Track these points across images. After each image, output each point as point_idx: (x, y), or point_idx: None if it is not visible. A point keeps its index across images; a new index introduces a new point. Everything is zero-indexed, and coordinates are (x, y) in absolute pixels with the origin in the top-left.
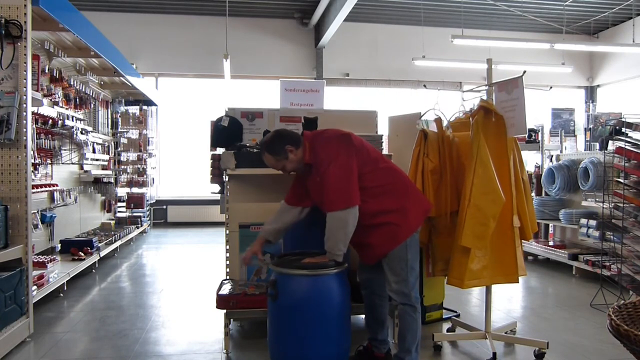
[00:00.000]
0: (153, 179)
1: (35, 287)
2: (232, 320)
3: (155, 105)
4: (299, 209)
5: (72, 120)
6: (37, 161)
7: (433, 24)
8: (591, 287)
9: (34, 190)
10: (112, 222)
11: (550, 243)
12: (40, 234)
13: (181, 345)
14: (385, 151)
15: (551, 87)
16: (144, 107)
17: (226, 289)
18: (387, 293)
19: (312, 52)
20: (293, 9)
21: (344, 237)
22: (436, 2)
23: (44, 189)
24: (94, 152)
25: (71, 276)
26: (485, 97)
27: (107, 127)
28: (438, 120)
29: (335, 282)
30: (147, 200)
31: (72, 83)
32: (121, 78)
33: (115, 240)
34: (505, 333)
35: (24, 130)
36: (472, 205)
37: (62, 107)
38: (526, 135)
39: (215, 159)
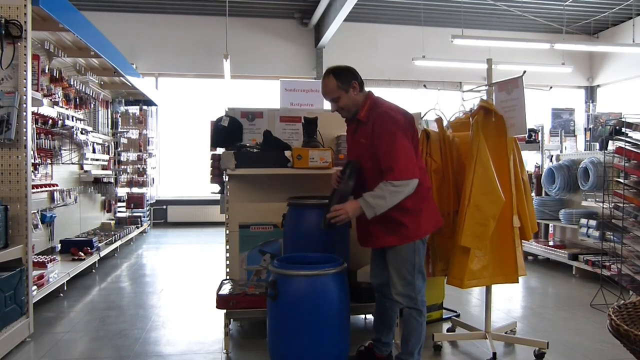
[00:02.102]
0: (153, 179)
1: (35, 287)
2: (232, 320)
3: (155, 105)
4: None
5: (72, 120)
6: (37, 161)
7: (433, 24)
8: (591, 287)
9: (34, 190)
10: (112, 222)
11: (550, 243)
12: (40, 234)
13: (181, 345)
14: None
15: (551, 87)
16: (144, 107)
17: (226, 289)
18: (395, 297)
19: (312, 52)
20: (293, 9)
21: (395, 203)
22: (436, 2)
23: (44, 189)
24: (94, 152)
25: (71, 276)
26: (485, 97)
27: (107, 127)
28: (439, 120)
29: (335, 282)
30: (147, 200)
31: (72, 83)
32: (121, 78)
33: (115, 240)
34: (505, 333)
35: (24, 130)
36: (471, 205)
37: (62, 107)
38: (526, 135)
39: (215, 159)
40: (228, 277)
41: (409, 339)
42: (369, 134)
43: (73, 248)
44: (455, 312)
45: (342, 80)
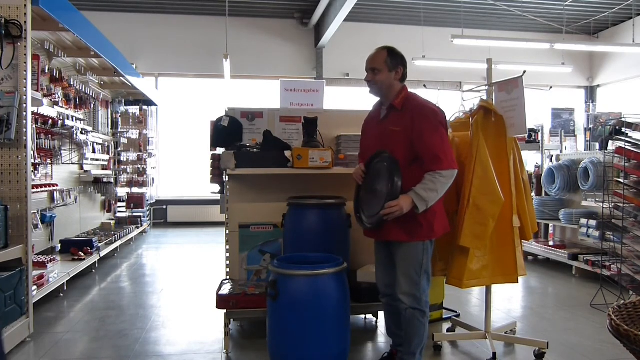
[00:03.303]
0: (153, 179)
1: (35, 287)
2: (232, 320)
3: (155, 105)
4: None
5: (72, 120)
6: (37, 161)
7: (433, 24)
8: (591, 287)
9: (34, 190)
10: (112, 222)
11: (550, 243)
12: (40, 234)
13: (181, 345)
14: None
15: (551, 87)
16: (144, 107)
17: (226, 289)
18: (398, 296)
19: (312, 52)
20: (293, 9)
21: (443, 194)
22: (436, 2)
23: (44, 189)
24: (94, 152)
25: (71, 276)
26: (485, 97)
27: (107, 127)
28: None
29: (335, 282)
30: (147, 200)
31: (72, 83)
32: (121, 78)
33: (115, 240)
34: (505, 333)
35: (24, 130)
36: (471, 205)
37: (62, 107)
38: (526, 135)
39: (215, 159)
40: (228, 277)
41: (412, 339)
42: (406, 122)
43: (73, 248)
44: (455, 312)
45: (392, 59)
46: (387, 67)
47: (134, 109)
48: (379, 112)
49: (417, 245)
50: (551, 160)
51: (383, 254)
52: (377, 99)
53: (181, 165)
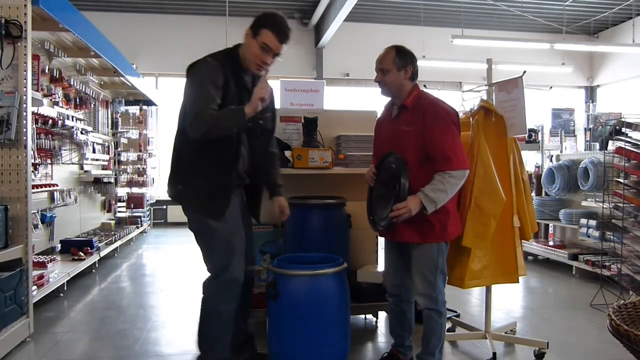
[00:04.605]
0: (153, 179)
1: (35, 287)
2: None
3: (155, 105)
4: None
5: (72, 120)
6: (37, 161)
7: (433, 24)
8: (591, 287)
9: (34, 190)
10: (112, 222)
11: (550, 243)
12: (40, 234)
13: (181, 345)
14: None
15: (551, 87)
16: (144, 107)
17: None
18: (414, 297)
19: (312, 52)
20: (293, 9)
21: (453, 195)
22: (436, 2)
23: (44, 189)
24: (94, 152)
25: (71, 276)
26: (485, 97)
27: (107, 127)
28: None
29: (335, 282)
30: (147, 200)
31: (72, 83)
32: (121, 78)
33: (115, 240)
34: (505, 333)
35: (24, 130)
36: (472, 205)
37: (62, 107)
38: (526, 135)
39: None
40: None
41: (429, 339)
42: (417, 122)
43: (73, 248)
44: (455, 312)
45: (401, 58)
46: (395, 66)
47: (134, 109)
48: (390, 112)
49: (431, 247)
50: (551, 160)
51: (394, 255)
52: (389, 99)
53: None
